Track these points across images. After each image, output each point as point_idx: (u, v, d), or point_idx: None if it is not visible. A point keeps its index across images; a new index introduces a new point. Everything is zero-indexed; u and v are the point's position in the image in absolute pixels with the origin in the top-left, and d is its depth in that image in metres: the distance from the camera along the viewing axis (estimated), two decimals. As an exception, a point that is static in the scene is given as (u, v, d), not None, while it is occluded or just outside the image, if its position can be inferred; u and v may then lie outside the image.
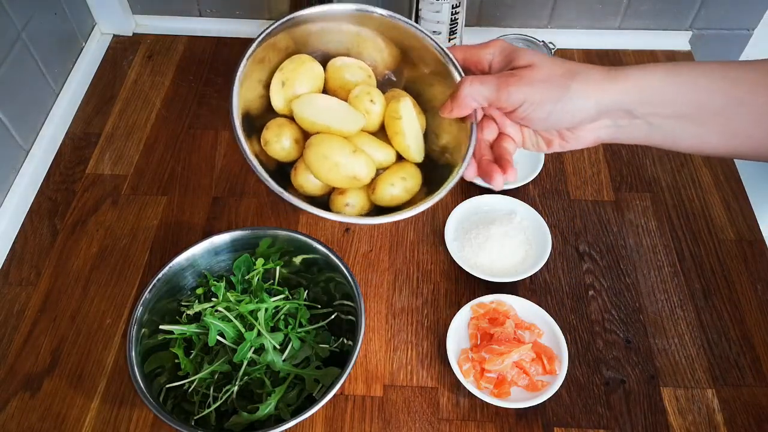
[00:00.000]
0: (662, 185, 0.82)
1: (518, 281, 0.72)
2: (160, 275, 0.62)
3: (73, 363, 0.67)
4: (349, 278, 0.62)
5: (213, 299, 0.63)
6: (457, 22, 0.77)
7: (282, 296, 0.64)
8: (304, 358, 0.61)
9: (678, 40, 0.99)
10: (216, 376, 0.61)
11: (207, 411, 0.59)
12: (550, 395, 0.62)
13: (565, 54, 0.97)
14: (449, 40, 0.78)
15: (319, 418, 0.64)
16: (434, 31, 0.77)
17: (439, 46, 0.54)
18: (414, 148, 0.55)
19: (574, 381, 0.66)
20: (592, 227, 0.78)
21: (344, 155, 0.51)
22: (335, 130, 0.52)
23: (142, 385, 0.56)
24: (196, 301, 0.64)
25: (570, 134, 0.52)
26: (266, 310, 0.61)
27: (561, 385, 0.63)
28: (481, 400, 0.63)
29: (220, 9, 1.00)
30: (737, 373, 0.67)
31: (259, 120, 0.54)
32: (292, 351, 0.61)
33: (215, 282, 0.64)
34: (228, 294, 0.62)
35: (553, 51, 0.83)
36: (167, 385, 0.60)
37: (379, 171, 0.55)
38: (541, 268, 0.71)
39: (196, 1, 0.99)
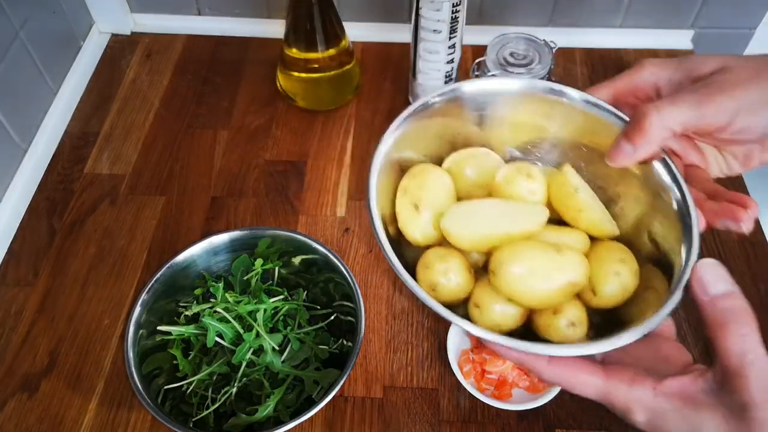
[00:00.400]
0: (664, 185, 0.81)
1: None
2: (158, 275, 0.61)
3: (71, 364, 0.67)
4: (349, 279, 0.61)
5: (211, 300, 0.63)
6: (457, 21, 0.77)
7: (281, 297, 0.63)
8: (303, 359, 0.61)
9: (680, 39, 0.98)
10: (215, 378, 0.60)
11: (205, 413, 0.58)
12: (552, 397, 0.62)
13: (565, 53, 0.97)
14: (450, 38, 0.78)
15: (318, 419, 0.63)
16: (434, 30, 0.77)
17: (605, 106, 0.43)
18: (606, 218, 0.43)
19: (576, 382, 0.66)
20: (594, 227, 0.77)
21: (552, 260, 0.39)
22: (517, 235, 0.40)
23: (140, 386, 0.56)
24: (195, 302, 0.64)
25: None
26: (265, 310, 0.61)
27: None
28: (482, 401, 0.62)
29: (219, 8, 0.99)
30: (740, 374, 0.66)
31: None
32: (291, 352, 0.60)
33: (213, 283, 0.63)
34: (226, 295, 0.62)
35: (553, 50, 0.82)
36: (165, 387, 0.60)
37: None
38: (542, 268, 0.70)
39: (195, 0, 0.99)
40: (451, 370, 0.64)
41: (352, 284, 0.61)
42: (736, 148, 0.43)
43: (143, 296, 0.60)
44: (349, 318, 0.63)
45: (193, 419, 0.58)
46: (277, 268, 0.65)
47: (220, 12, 1.00)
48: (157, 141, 0.87)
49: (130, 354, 0.57)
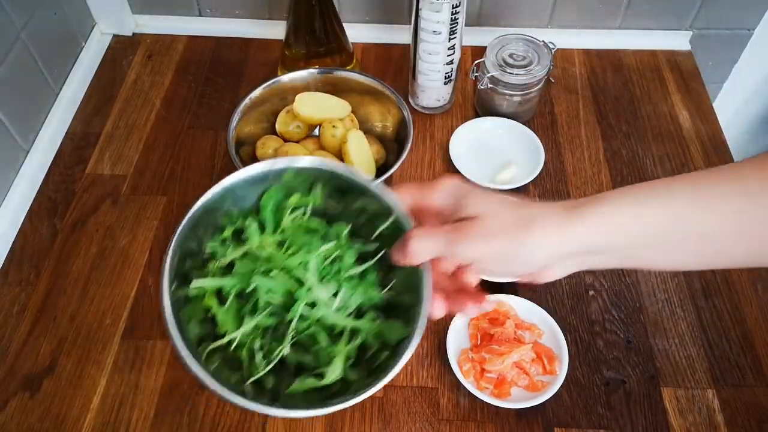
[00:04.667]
0: (662, 185, 0.82)
1: (518, 281, 0.72)
2: (190, 213, 0.51)
3: (73, 363, 0.67)
4: (393, 207, 0.51)
5: (244, 242, 0.54)
6: (457, 22, 0.77)
7: (330, 244, 0.53)
8: (356, 306, 0.53)
9: (678, 40, 0.99)
10: (260, 331, 0.52)
11: (262, 372, 0.50)
12: (551, 395, 0.62)
13: (565, 54, 0.97)
14: (449, 39, 0.78)
15: (318, 417, 0.64)
16: (434, 31, 0.77)
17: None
18: (359, 165, 0.72)
19: (575, 381, 0.66)
20: (593, 227, 0.78)
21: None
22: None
23: (185, 348, 0.47)
24: (230, 246, 0.54)
25: (534, 275, 0.47)
26: (315, 259, 0.52)
27: (561, 386, 0.63)
28: (482, 400, 0.63)
29: (220, 9, 0.99)
30: (738, 373, 0.67)
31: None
32: (344, 300, 0.52)
33: (246, 221, 0.54)
34: (264, 237, 0.53)
35: (553, 51, 0.83)
36: (210, 346, 0.50)
37: None
38: (542, 268, 0.71)
39: (196, 1, 0.99)
40: (451, 368, 0.64)
41: (395, 209, 0.51)
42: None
43: (176, 237, 0.50)
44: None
45: (250, 381, 0.50)
46: (312, 204, 0.56)
47: (221, 13, 1.00)
48: (159, 141, 0.87)
49: (168, 308, 0.48)
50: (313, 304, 0.51)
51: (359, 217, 0.56)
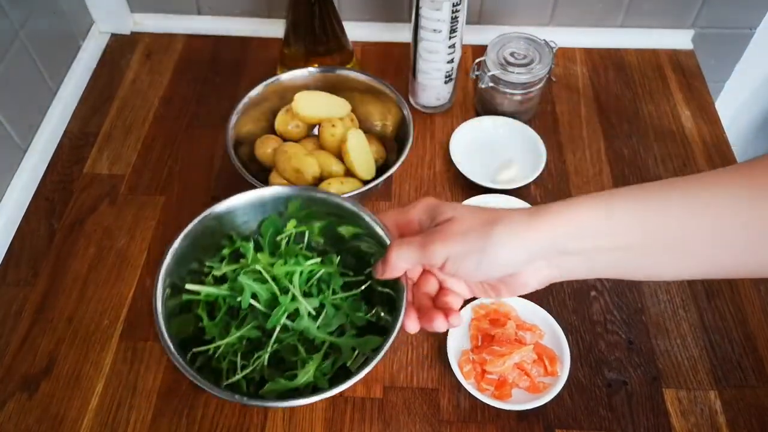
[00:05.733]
0: (664, 185, 0.81)
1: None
2: (186, 230, 0.57)
3: (71, 364, 0.67)
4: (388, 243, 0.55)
5: (241, 261, 0.59)
6: (457, 21, 0.77)
7: (317, 260, 0.59)
8: (338, 326, 0.58)
9: (680, 39, 0.98)
10: (244, 342, 0.57)
11: (238, 377, 0.55)
12: (552, 397, 0.62)
13: (566, 52, 0.97)
14: (450, 38, 0.78)
15: (318, 419, 0.63)
16: (434, 30, 0.77)
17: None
18: (359, 165, 0.73)
19: (576, 383, 0.65)
20: (594, 227, 0.77)
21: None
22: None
23: (171, 347, 0.52)
24: (224, 262, 0.60)
25: (511, 280, 0.49)
26: (301, 273, 0.57)
27: (563, 387, 0.62)
28: (482, 401, 0.62)
29: (219, 7, 0.99)
30: (740, 374, 0.66)
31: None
32: (326, 318, 0.57)
33: (243, 243, 0.59)
34: (258, 256, 0.58)
35: (554, 50, 0.82)
36: (194, 349, 0.55)
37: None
38: (543, 268, 0.70)
39: (195, 0, 0.98)
40: (452, 370, 0.64)
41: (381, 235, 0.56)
42: (483, 282, 0.52)
43: (174, 246, 0.56)
44: (386, 290, 0.58)
45: (225, 383, 0.55)
46: (308, 232, 0.61)
47: (220, 12, 1.00)
48: (157, 141, 0.86)
49: (159, 310, 0.53)
50: (295, 316, 0.56)
51: (350, 251, 0.61)
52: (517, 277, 0.48)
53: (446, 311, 0.51)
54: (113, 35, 1.00)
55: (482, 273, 0.48)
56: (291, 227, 0.60)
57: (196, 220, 0.57)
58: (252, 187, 0.61)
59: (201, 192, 0.81)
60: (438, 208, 0.50)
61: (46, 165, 0.84)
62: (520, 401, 0.63)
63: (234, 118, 0.76)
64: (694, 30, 0.98)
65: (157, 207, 0.79)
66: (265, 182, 0.76)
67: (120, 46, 0.99)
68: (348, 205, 0.59)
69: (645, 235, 0.44)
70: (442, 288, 0.53)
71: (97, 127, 0.88)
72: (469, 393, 0.62)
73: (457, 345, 0.66)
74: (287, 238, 0.60)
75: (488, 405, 0.63)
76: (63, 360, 0.67)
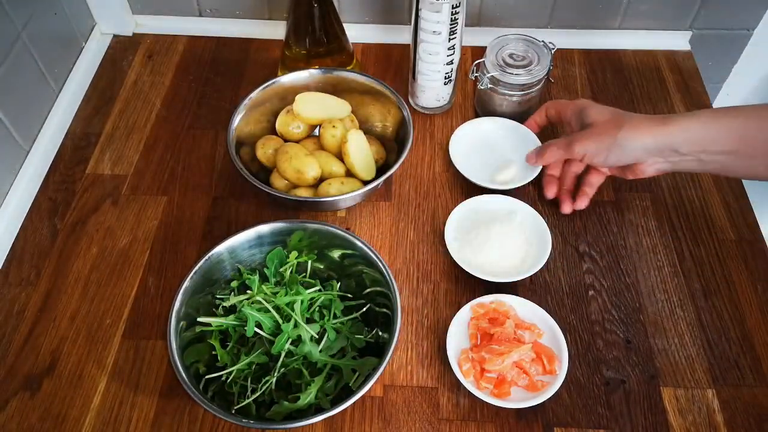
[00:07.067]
0: (662, 185, 0.82)
1: (518, 281, 0.72)
2: (196, 268, 0.63)
3: (73, 363, 0.67)
4: (385, 272, 0.63)
5: (248, 292, 0.64)
6: (457, 22, 0.77)
7: (316, 288, 0.65)
8: (339, 348, 0.63)
9: (678, 40, 0.99)
10: (253, 368, 0.62)
11: (247, 401, 0.60)
12: (550, 395, 0.62)
13: (565, 54, 0.97)
14: (449, 40, 0.78)
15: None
16: (434, 31, 0.77)
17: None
18: (359, 165, 0.76)
19: (575, 381, 0.66)
20: (592, 227, 0.78)
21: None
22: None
23: (185, 377, 0.57)
24: (232, 293, 0.66)
25: (635, 168, 0.70)
26: (302, 301, 0.62)
27: (561, 385, 0.63)
28: (481, 400, 0.63)
29: (220, 9, 1.00)
30: (737, 373, 0.67)
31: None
32: (328, 342, 0.62)
33: (249, 275, 0.65)
34: (263, 286, 0.64)
35: (552, 51, 0.83)
36: (206, 376, 0.61)
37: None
38: (541, 268, 0.71)
39: (196, 1, 0.99)
40: (451, 368, 0.64)
41: (387, 277, 0.63)
42: (613, 168, 0.75)
43: (185, 284, 0.62)
44: (384, 310, 0.64)
45: (235, 408, 0.60)
46: (310, 261, 0.67)
47: (221, 13, 1.00)
48: (159, 141, 0.87)
49: (173, 345, 0.59)
50: (298, 342, 0.61)
51: (350, 276, 0.68)
52: (638, 166, 0.70)
53: (579, 193, 0.76)
54: (115, 36, 1.01)
55: (610, 163, 0.70)
56: (293, 258, 0.67)
57: (201, 261, 0.64)
58: (253, 186, 0.65)
59: (202, 192, 0.81)
60: (585, 111, 0.71)
61: (49, 166, 0.84)
62: (518, 399, 0.63)
63: (235, 119, 0.77)
64: (691, 31, 0.99)
65: (159, 207, 0.80)
66: (266, 182, 0.77)
67: (122, 48, 0.99)
68: (340, 231, 0.66)
69: (745, 144, 0.62)
70: (589, 168, 0.76)
71: (99, 127, 0.89)
72: (469, 391, 0.63)
73: (456, 344, 0.66)
74: (290, 269, 0.66)
75: (487, 403, 0.63)
76: (65, 359, 0.68)
